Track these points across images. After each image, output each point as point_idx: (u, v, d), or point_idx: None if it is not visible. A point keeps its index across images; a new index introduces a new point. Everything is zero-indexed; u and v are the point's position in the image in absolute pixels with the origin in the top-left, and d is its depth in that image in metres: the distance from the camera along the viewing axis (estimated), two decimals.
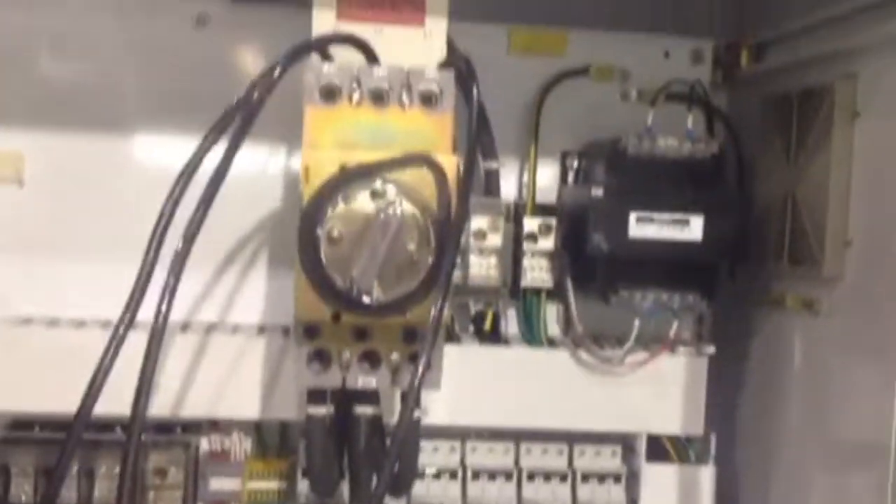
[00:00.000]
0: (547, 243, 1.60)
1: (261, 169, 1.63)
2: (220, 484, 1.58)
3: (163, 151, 1.61)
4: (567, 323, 1.62)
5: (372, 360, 1.22)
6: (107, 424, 1.48)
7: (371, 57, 1.27)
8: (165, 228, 1.19)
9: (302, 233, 1.14)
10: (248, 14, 1.63)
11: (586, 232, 1.50)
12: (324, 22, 1.35)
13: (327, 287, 1.14)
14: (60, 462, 1.20)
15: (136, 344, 1.38)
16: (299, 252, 1.16)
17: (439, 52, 1.35)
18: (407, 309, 1.16)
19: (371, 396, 1.30)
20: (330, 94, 1.22)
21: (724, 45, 1.72)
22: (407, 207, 1.15)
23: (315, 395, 1.28)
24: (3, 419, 1.55)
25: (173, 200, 1.18)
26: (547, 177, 1.68)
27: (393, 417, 1.32)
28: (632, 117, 1.62)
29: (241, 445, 1.58)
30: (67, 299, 1.59)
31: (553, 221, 1.60)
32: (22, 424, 1.55)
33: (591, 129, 1.67)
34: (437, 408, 1.52)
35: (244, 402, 1.54)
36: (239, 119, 1.18)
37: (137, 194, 1.59)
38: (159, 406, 1.49)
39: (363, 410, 1.28)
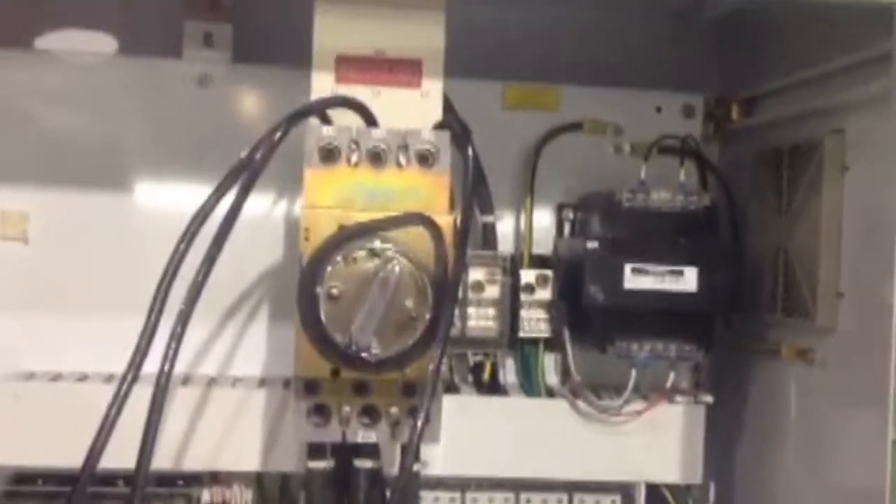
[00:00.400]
0: (544, 294, 1.62)
1: (259, 222, 1.65)
2: None
3: (165, 209, 1.64)
4: (565, 373, 1.64)
5: (371, 414, 1.24)
6: (108, 478, 1.49)
7: (369, 119, 1.31)
8: (169, 286, 1.21)
9: (302, 291, 1.17)
10: (249, 74, 1.67)
11: (582, 283, 1.52)
12: (323, 85, 1.39)
13: (327, 344, 1.17)
14: None
15: (138, 398, 1.40)
16: (299, 309, 1.18)
17: (435, 112, 1.38)
18: (405, 364, 1.18)
19: (371, 449, 1.31)
20: (329, 155, 1.25)
21: (714, 99, 1.76)
22: (405, 265, 1.17)
23: (315, 449, 1.29)
24: (7, 473, 1.56)
25: (177, 259, 1.21)
26: (542, 229, 1.71)
27: (393, 469, 1.33)
28: (625, 170, 1.65)
29: (241, 497, 1.59)
30: (71, 354, 1.61)
31: (549, 273, 1.63)
32: (25, 478, 1.56)
33: (585, 182, 1.70)
34: (437, 458, 1.53)
35: (245, 455, 1.55)
36: (242, 180, 1.21)
37: (141, 251, 1.62)
38: (160, 458, 1.49)
39: (362, 464, 1.30)
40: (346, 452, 1.30)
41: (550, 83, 1.73)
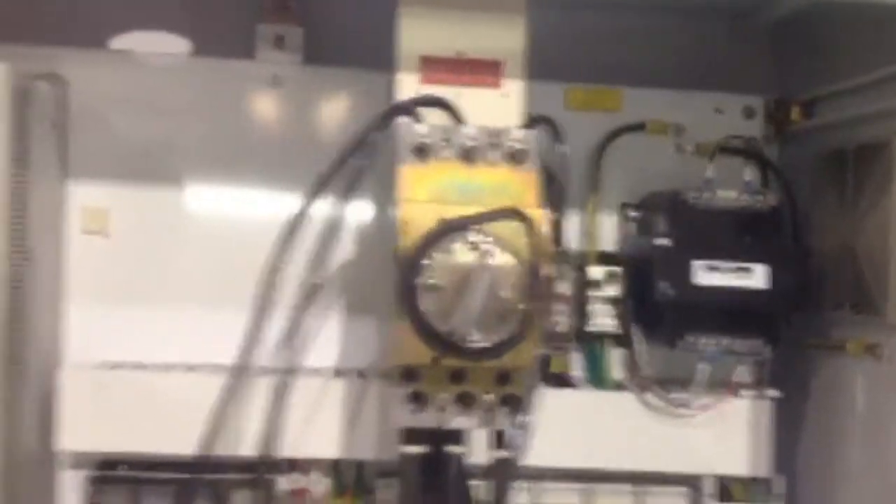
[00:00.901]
0: (611, 290, 1.66)
1: (335, 220, 1.69)
2: None
3: (239, 205, 1.70)
4: (632, 367, 1.68)
5: (466, 401, 1.28)
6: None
7: (458, 117, 1.36)
8: (273, 282, 1.26)
9: (402, 282, 1.21)
10: (319, 75, 1.72)
11: (652, 280, 1.57)
12: (408, 85, 1.44)
13: (427, 333, 1.21)
14: None
15: (214, 387, 1.50)
16: (400, 300, 1.23)
17: (516, 112, 1.43)
18: (503, 353, 1.23)
19: (458, 435, 1.35)
20: (422, 151, 1.30)
21: (774, 101, 1.80)
22: (502, 257, 1.22)
23: (411, 435, 1.33)
24: (93, 459, 1.61)
25: (280, 254, 1.26)
26: (604, 226, 1.75)
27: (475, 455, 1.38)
28: (686, 170, 1.70)
29: (319, 484, 1.63)
30: (151, 344, 1.66)
31: (617, 269, 1.67)
32: (107, 464, 1.61)
33: (646, 181, 1.74)
34: None
35: (323, 443, 1.60)
36: (348, 180, 1.26)
37: (215, 245, 1.68)
38: (244, 446, 1.56)
39: (453, 449, 1.34)
40: (433, 438, 1.34)
41: (613, 85, 1.78)
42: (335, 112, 1.71)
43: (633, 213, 1.73)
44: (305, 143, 1.70)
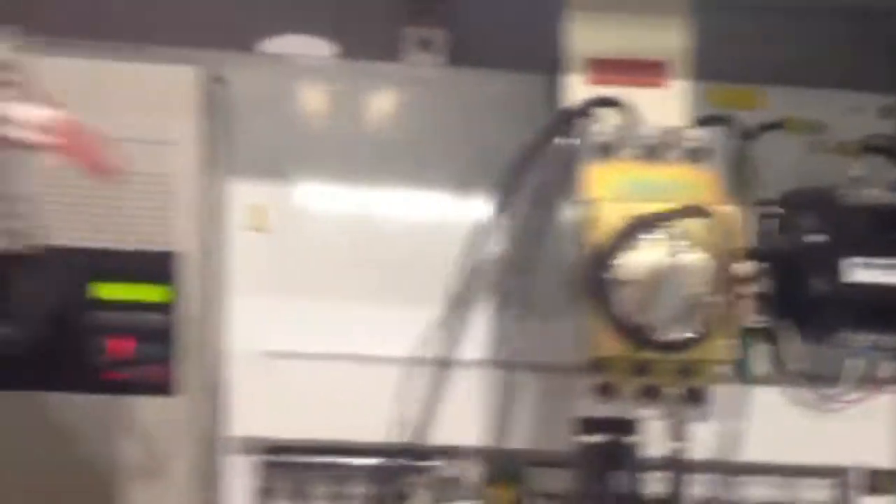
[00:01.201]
0: (756, 286, 1.70)
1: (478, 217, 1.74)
2: None
3: (385, 203, 1.75)
4: (778, 362, 1.71)
5: (651, 393, 1.33)
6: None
7: (634, 117, 1.40)
8: (471, 277, 1.32)
9: (595, 278, 1.27)
10: (464, 78, 1.76)
11: (804, 276, 1.60)
12: (576, 87, 1.49)
13: (621, 327, 1.26)
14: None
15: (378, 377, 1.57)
16: (591, 295, 1.28)
17: (684, 112, 1.47)
18: (691, 348, 1.27)
19: (633, 426, 1.40)
20: (605, 150, 1.35)
21: None
22: (692, 253, 1.26)
23: (589, 425, 1.39)
24: (263, 445, 1.68)
25: (472, 254, 1.32)
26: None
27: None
28: (821, 168, 1.73)
29: (472, 472, 1.69)
30: (314, 334, 1.72)
31: (762, 266, 1.69)
32: (276, 450, 1.68)
33: (781, 179, 1.76)
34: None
35: (476, 432, 1.65)
36: (545, 190, 1.32)
37: (365, 241, 1.74)
38: (402, 434, 1.63)
39: (631, 440, 1.39)
40: (609, 429, 1.39)
41: (752, 84, 1.81)
42: (481, 114, 1.75)
43: (774, 211, 1.76)
44: (450, 145, 1.75)
